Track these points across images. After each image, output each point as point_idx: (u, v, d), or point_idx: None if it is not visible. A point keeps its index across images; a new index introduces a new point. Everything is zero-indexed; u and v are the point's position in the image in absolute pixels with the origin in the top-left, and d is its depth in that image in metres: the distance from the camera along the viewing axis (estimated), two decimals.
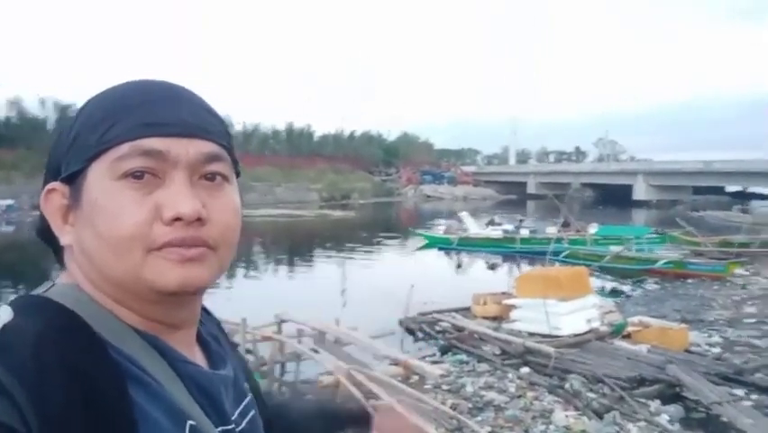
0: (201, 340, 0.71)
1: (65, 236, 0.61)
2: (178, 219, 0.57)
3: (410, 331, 10.27)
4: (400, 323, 10.38)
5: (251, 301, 12.28)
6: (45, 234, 0.65)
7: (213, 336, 0.73)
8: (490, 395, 6.68)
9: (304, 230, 33.36)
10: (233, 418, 0.66)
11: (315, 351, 6.34)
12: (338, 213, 43.13)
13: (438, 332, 9.96)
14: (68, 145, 0.61)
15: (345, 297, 13.16)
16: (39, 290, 0.61)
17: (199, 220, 0.58)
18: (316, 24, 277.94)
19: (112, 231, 0.57)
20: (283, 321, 8.05)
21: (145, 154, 0.58)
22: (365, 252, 23.22)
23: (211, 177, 0.61)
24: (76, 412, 0.50)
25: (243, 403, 0.71)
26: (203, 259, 0.59)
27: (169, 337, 0.63)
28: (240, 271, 19.35)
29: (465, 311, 10.64)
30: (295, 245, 26.78)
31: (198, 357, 0.68)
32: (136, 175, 0.57)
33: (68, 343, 0.53)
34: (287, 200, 51.66)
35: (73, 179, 0.60)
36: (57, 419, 0.49)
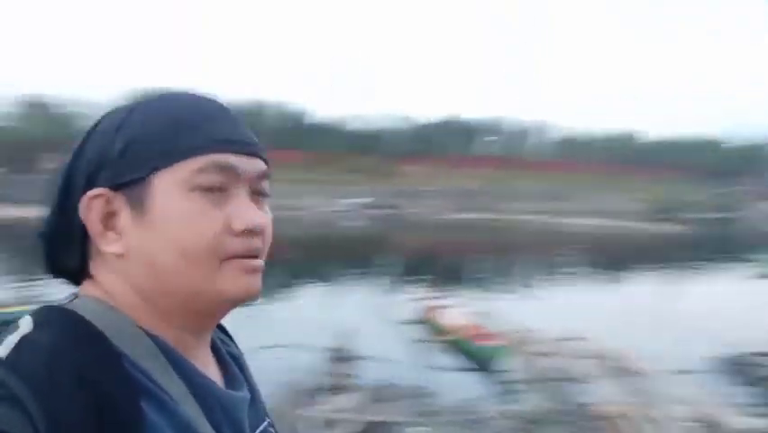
0: (221, 359, 0.71)
1: (110, 244, 0.61)
2: (247, 231, 0.61)
3: (729, 372, 8.87)
4: (716, 361, 9.02)
5: (548, 313, 12.06)
6: (56, 239, 0.64)
7: (233, 356, 0.75)
8: None
9: (621, 244, 31.34)
10: None
11: (602, 376, 5.92)
12: (663, 227, 39.31)
13: (764, 378, 8.40)
14: (118, 152, 0.60)
15: (653, 322, 11.92)
16: (62, 301, 0.62)
17: (261, 232, 0.63)
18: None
19: (190, 242, 0.59)
20: (573, 339, 7.73)
21: (220, 169, 0.61)
22: (688, 273, 20.69)
23: (260, 193, 0.65)
24: (87, 424, 0.51)
25: (261, 427, 0.71)
26: (260, 270, 0.64)
27: (192, 352, 0.64)
28: (541, 281, 19.15)
29: None
30: (608, 259, 25.30)
31: (214, 374, 0.67)
32: (209, 188, 0.60)
33: (83, 355, 0.54)
34: (604, 210, 49.13)
35: (128, 187, 0.60)
36: (68, 431, 0.50)
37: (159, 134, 0.60)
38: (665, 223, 42.51)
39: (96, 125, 0.64)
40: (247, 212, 0.62)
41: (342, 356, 7.66)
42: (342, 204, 44.26)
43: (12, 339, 0.54)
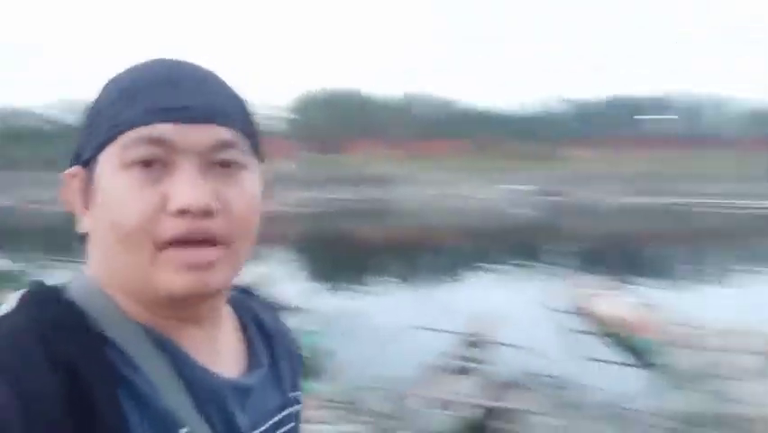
0: (251, 342, 0.68)
1: (81, 223, 0.59)
2: (184, 211, 0.53)
3: None
4: None
5: (727, 307, 10.77)
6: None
7: (268, 337, 0.70)
8: None
9: None
10: (257, 427, 0.63)
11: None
12: None
13: None
14: (85, 128, 0.59)
15: None
16: (67, 280, 0.60)
17: (209, 212, 0.54)
18: None
19: (120, 221, 0.54)
20: (742, 334, 6.89)
21: (152, 142, 0.54)
22: None
23: (225, 164, 0.57)
24: (60, 408, 0.48)
25: (279, 415, 0.66)
26: (212, 264, 0.55)
27: (184, 335, 0.59)
28: (727, 272, 17.09)
29: None
30: None
31: (227, 359, 0.63)
32: (145, 163, 0.54)
33: (61, 338, 0.52)
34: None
35: (88, 165, 0.58)
36: (38, 413, 0.48)
37: (106, 109, 0.57)
38: None
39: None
40: (184, 189, 0.53)
41: (476, 341, 7.57)
42: (506, 191, 43.32)
43: None
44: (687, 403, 5.88)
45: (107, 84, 0.59)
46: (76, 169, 0.59)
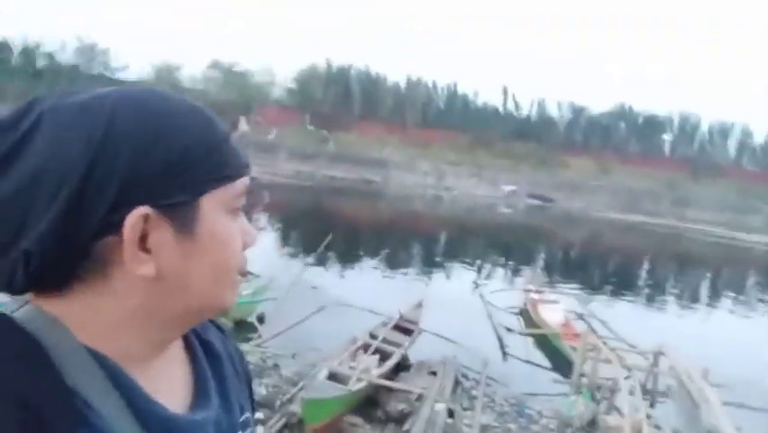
0: (198, 364, 0.68)
1: (143, 265, 0.55)
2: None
3: None
4: None
5: (671, 332, 11.11)
6: (49, 254, 0.52)
7: (215, 358, 0.71)
8: None
9: (740, 260, 27.10)
10: None
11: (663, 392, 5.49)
12: None
13: None
14: (162, 170, 0.54)
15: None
16: (8, 309, 0.57)
17: None
18: None
19: (227, 262, 0.60)
20: (660, 354, 7.24)
21: (245, 192, 0.62)
22: None
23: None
24: None
25: None
26: None
27: (150, 367, 0.60)
28: (693, 298, 17.45)
29: None
30: (724, 278, 22.27)
31: (179, 388, 0.64)
32: (238, 210, 0.61)
33: (23, 373, 0.51)
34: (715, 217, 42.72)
35: (174, 208, 0.55)
36: None
37: (206, 153, 0.57)
38: None
39: (109, 126, 0.53)
40: (251, 230, 0.63)
41: (401, 325, 7.86)
42: (499, 190, 43.57)
43: None
44: (580, 409, 6.21)
45: (172, 117, 0.56)
46: (148, 209, 0.53)
